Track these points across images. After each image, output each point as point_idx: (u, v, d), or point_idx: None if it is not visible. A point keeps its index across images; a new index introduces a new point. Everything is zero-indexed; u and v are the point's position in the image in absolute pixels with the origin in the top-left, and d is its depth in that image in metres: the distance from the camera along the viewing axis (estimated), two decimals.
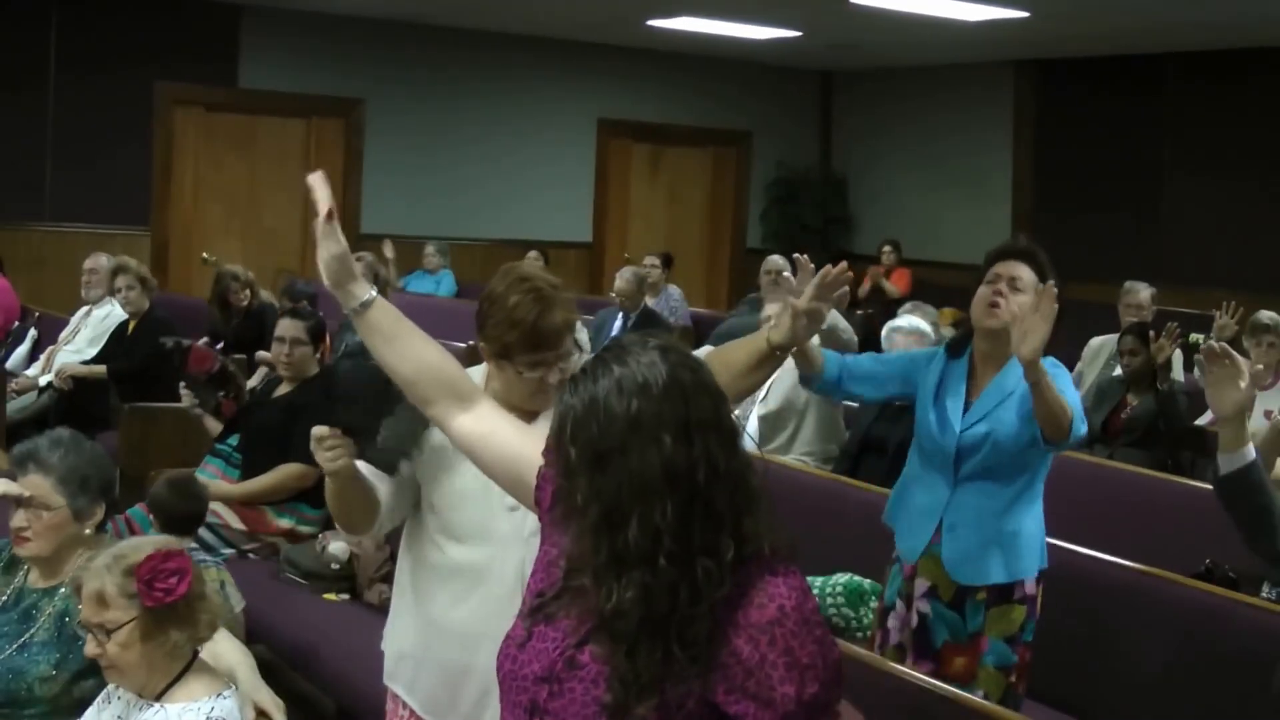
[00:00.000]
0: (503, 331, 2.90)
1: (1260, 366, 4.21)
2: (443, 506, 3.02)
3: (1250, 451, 3.23)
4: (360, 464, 2.92)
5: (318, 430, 2.77)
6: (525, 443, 2.41)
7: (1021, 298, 3.92)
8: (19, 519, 3.46)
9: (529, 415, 2.95)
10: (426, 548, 3.08)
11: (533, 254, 11.76)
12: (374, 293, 2.56)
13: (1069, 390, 3.85)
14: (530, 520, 2.90)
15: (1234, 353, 3.26)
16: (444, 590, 3.06)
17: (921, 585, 4.05)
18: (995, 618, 3.96)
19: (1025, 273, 3.96)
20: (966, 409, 4.00)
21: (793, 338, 3.07)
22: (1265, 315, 7.40)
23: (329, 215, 2.51)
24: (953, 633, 4.01)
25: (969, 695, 3.61)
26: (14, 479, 3.50)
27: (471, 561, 3.00)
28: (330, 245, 2.53)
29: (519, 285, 2.93)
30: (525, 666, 2.07)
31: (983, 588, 3.96)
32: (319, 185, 2.55)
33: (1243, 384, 3.24)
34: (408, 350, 2.54)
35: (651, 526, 1.92)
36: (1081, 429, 3.81)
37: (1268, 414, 6.87)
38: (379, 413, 2.81)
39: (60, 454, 3.52)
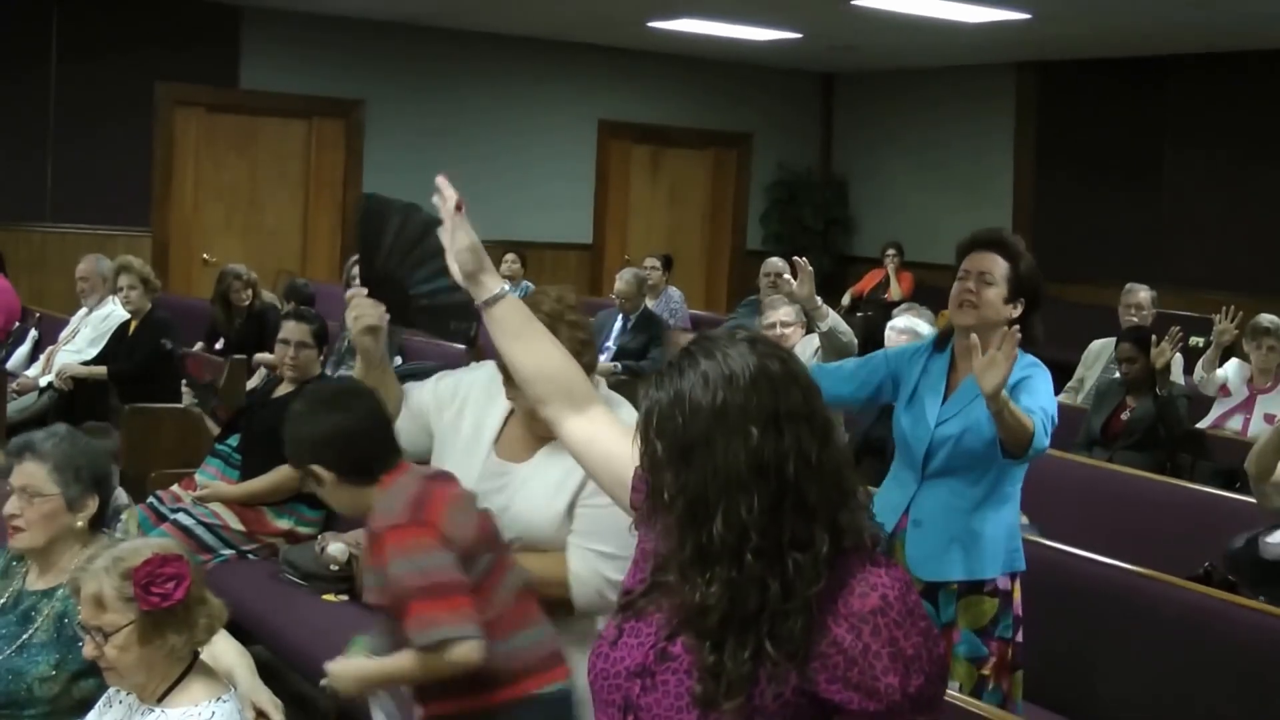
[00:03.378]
0: None
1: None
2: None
3: None
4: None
5: (353, 289, 2.79)
6: (627, 446, 2.34)
7: (992, 291, 3.93)
8: (12, 506, 3.46)
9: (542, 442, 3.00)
10: None
11: (510, 257, 11.73)
12: (505, 287, 2.57)
13: (1042, 394, 3.85)
14: (512, 530, 2.95)
15: None
16: None
17: None
18: (965, 608, 3.97)
19: (996, 264, 3.95)
20: (944, 404, 4.01)
21: None
22: (1266, 319, 7.41)
23: (459, 206, 2.57)
24: None
25: (972, 700, 3.60)
26: (10, 470, 3.50)
27: None
28: (461, 237, 2.59)
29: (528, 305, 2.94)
30: (618, 664, 2.04)
31: (950, 580, 3.97)
32: (446, 185, 2.61)
33: None
34: (532, 349, 2.54)
35: (737, 521, 1.88)
36: (1043, 443, 3.78)
37: (1269, 418, 6.88)
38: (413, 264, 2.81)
39: (54, 442, 3.53)
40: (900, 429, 4.12)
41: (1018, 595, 4.03)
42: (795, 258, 5.15)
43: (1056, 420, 3.90)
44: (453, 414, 3.12)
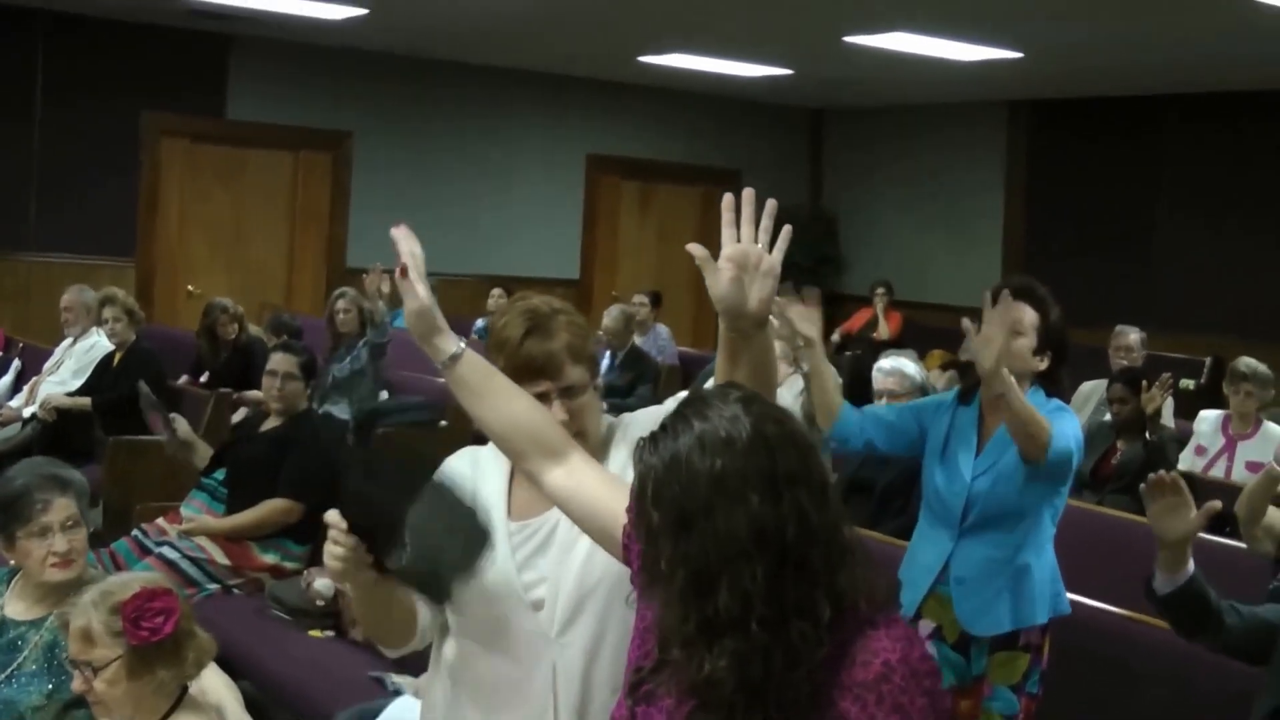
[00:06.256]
0: (492, 356, 2.59)
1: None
2: (461, 600, 2.59)
3: (1190, 567, 3.17)
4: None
5: (330, 516, 2.40)
6: (612, 495, 2.28)
7: (1022, 341, 3.87)
8: (61, 544, 3.54)
9: None
10: (450, 655, 2.69)
11: (496, 292, 11.70)
12: (463, 345, 2.42)
13: (1068, 424, 3.81)
14: (557, 617, 2.56)
15: (1183, 484, 3.18)
16: (469, 709, 2.65)
17: (926, 627, 4.00)
18: (999, 664, 3.93)
19: (1026, 314, 3.89)
20: (978, 457, 3.96)
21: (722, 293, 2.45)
22: (1244, 363, 7.29)
23: (403, 271, 2.41)
24: (958, 676, 3.96)
25: None
26: (35, 503, 3.58)
27: (495, 677, 2.60)
28: (410, 301, 2.41)
29: (514, 307, 2.67)
30: None
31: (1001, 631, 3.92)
32: (403, 239, 2.44)
33: (1191, 515, 3.15)
34: (499, 405, 2.40)
35: (742, 590, 1.83)
36: (1062, 445, 3.74)
37: (1250, 465, 6.84)
38: (405, 514, 2.33)
39: (72, 473, 3.71)
40: (934, 485, 4.04)
41: (1046, 649, 4.00)
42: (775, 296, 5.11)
43: (1080, 452, 3.88)
44: None
